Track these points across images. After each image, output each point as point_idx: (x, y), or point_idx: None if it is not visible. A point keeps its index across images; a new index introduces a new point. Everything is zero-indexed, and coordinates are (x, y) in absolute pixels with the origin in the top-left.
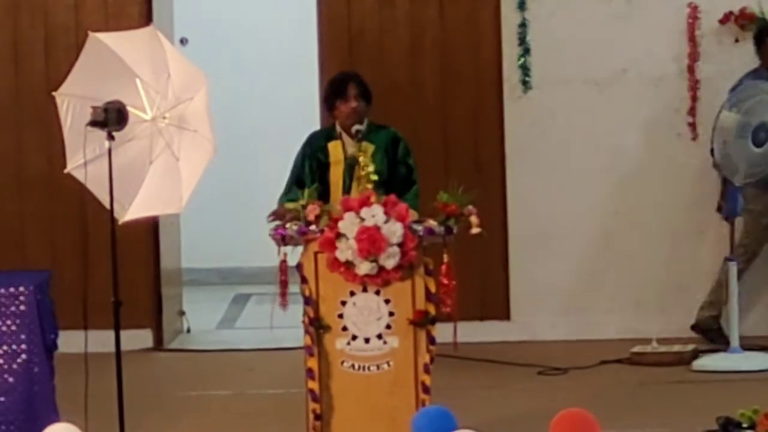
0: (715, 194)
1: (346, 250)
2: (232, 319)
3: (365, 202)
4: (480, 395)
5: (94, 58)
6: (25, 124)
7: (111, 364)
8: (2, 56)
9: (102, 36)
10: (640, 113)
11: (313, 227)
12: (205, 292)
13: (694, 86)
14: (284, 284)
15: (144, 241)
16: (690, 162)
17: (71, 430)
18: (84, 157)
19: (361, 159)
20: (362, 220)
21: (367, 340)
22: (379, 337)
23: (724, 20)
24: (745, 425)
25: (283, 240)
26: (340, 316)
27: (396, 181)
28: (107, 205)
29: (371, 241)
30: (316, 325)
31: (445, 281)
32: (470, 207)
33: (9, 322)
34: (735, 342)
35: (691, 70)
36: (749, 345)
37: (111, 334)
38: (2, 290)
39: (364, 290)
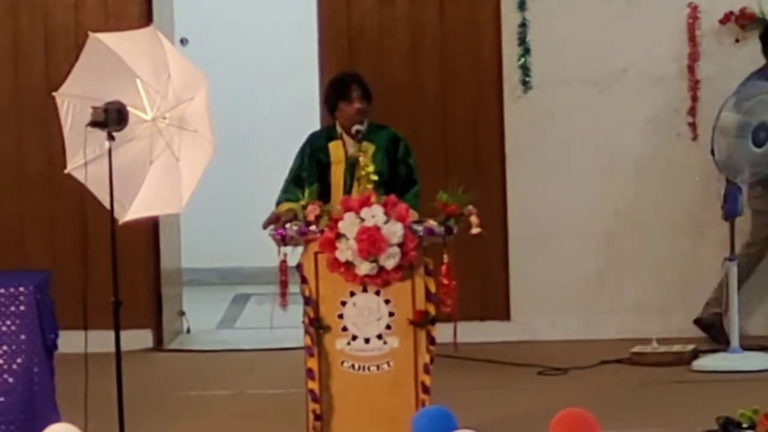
0: (715, 194)
1: (346, 251)
2: (232, 319)
3: (365, 203)
4: (480, 395)
5: (94, 58)
6: (25, 124)
7: (111, 364)
8: (2, 56)
9: (102, 36)
10: (640, 113)
11: (313, 227)
12: (205, 292)
13: (694, 86)
14: (284, 284)
15: (144, 241)
16: (690, 162)
17: (71, 430)
18: (84, 158)
19: (361, 159)
20: (362, 220)
21: (367, 341)
22: (379, 337)
23: (724, 20)
24: (745, 425)
25: (283, 240)
26: (340, 316)
27: (396, 181)
28: (107, 205)
29: (371, 242)
30: (316, 326)
31: (445, 281)
32: (470, 207)
33: (9, 322)
34: (735, 342)
35: (691, 70)
36: (749, 345)
37: (111, 334)
38: (2, 290)
39: (364, 290)
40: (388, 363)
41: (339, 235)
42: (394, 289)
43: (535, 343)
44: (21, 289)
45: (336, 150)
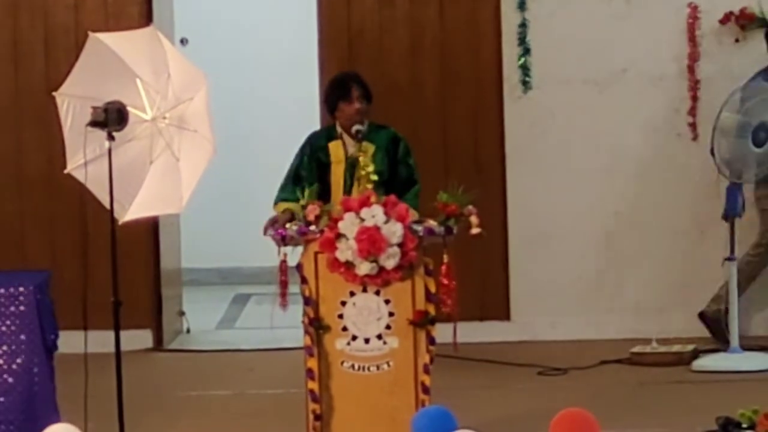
0: (715, 194)
1: (346, 251)
2: (232, 319)
3: (365, 203)
4: (480, 395)
5: (94, 58)
6: (25, 124)
7: (111, 365)
8: (2, 56)
9: (102, 36)
10: (640, 113)
11: (313, 227)
12: (205, 292)
13: (694, 86)
14: (284, 284)
15: (144, 241)
16: (690, 162)
17: (71, 430)
18: (84, 157)
19: (361, 159)
20: (362, 220)
21: (366, 341)
22: (379, 337)
23: (724, 20)
24: (744, 425)
25: (283, 240)
26: (340, 316)
27: (396, 181)
28: (107, 205)
29: (371, 242)
30: (316, 326)
31: (445, 281)
32: (470, 207)
33: (9, 322)
34: (735, 342)
35: (691, 70)
36: (749, 345)
37: (111, 334)
38: (2, 290)
39: (364, 290)
40: (388, 363)
41: (339, 235)
42: (394, 289)
43: (535, 343)
44: (21, 289)
45: (336, 150)
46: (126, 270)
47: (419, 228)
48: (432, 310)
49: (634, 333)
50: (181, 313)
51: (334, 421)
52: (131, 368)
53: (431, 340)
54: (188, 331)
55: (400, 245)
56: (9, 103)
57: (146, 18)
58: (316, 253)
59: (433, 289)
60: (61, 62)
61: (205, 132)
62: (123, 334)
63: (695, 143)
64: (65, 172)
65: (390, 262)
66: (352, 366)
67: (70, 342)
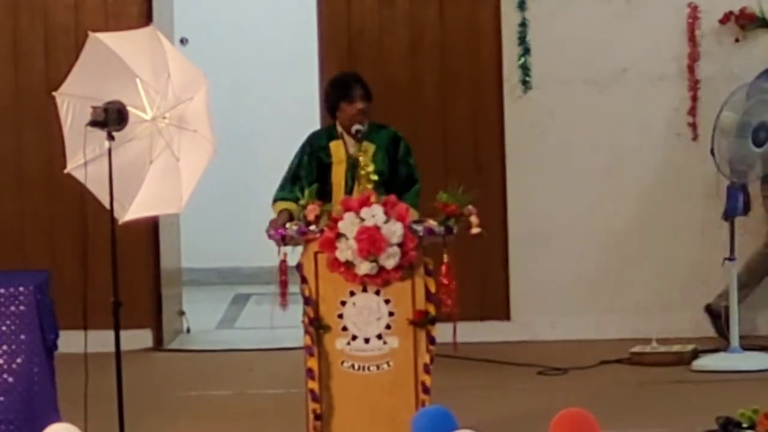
0: (715, 194)
1: (346, 250)
2: (231, 319)
3: (365, 202)
4: (480, 395)
5: (94, 58)
6: (25, 124)
7: (111, 364)
8: (2, 56)
9: (102, 36)
10: (640, 113)
11: (313, 227)
12: (205, 292)
13: (694, 86)
14: (284, 284)
15: (144, 241)
16: (690, 162)
17: (71, 430)
18: (84, 157)
19: (361, 159)
20: (362, 220)
21: (366, 340)
22: (379, 337)
23: (724, 20)
24: (745, 425)
25: (283, 240)
26: (340, 316)
27: (397, 181)
28: (107, 205)
29: (371, 241)
30: (316, 325)
31: (445, 281)
32: (470, 207)
33: (9, 322)
34: (735, 342)
35: (691, 70)
36: (755, 344)
37: (111, 334)
38: (2, 290)
39: (364, 290)
40: (387, 363)
41: (339, 235)
42: (394, 289)
43: (535, 343)
44: (21, 289)
45: (337, 150)
46: (126, 270)
47: (419, 228)
48: (432, 309)
49: (634, 333)
50: (181, 313)
51: (335, 420)
52: (131, 368)
53: (431, 340)
54: (188, 330)
55: (400, 245)
56: (9, 103)
57: (146, 18)
58: (316, 253)
59: (433, 289)
60: (61, 62)
61: (205, 132)
62: (123, 333)
63: (695, 143)
64: (65, 171)
65: (390, 261)
66: (352, 366)
67: (70, 342)
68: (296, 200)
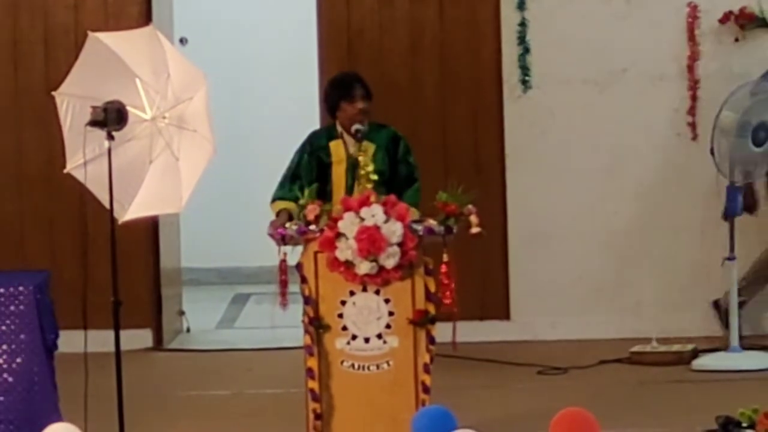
0: (715, 194)
1: (345, 250)
2: (231, 318)
3: (365, 202)
4: (480, 395)
5: (94, 58)
6: (25, 124)
7: (111, 364)
8: (2, 56)
9: (102, 36)
10: (640, 113)
11: (312, 227)
12: (205, 292)
13: (694, 86)
14: (284, 284)
15: (144, 241)
16: (690, 162)
17: (71, 430)
18: (84, 157)
19: (360, 159)
20: (362, 219)
21: (366, 340)
22: (379, 336)
23: (724, 20)
24: (744, 424)
25: (282, 240)
26: (340, 315)
27: (397, 180)
28: (107, 204)
29: (371, 241)
30: (316, 325)
31: (445, 281)
32: (470, 206)
33: (8, 321)
34: (735, 341)
35: (691, 69)
36: (762, 344)
37: (111, 333)
38: (2, 290)
39: (364, 290)
40: (387, 362)
41: (339, 235)
42: (394, 289)
43: (535, 342)
44: (21, 288)
45: (337, 149)
46: (126, 270)
47: (419, 227)
48: (432, 309)
49: (634, 333)
50: (181, 313)
51: (335, 420)
52: (131, 368)
53: (431, 340)
54: (188, 330)
55: (400, 244)
56: (9, 103)
57: (146, 18)
58: (315, 253)
59: (432, 289)
60: (61, 62)
61: (204, 132)
62: (123, 333)
63: (695, 143)
64: (65, 171)
65: (390, 261)
66: (352, 365)
67: (70, 342)
68: (295, 200)
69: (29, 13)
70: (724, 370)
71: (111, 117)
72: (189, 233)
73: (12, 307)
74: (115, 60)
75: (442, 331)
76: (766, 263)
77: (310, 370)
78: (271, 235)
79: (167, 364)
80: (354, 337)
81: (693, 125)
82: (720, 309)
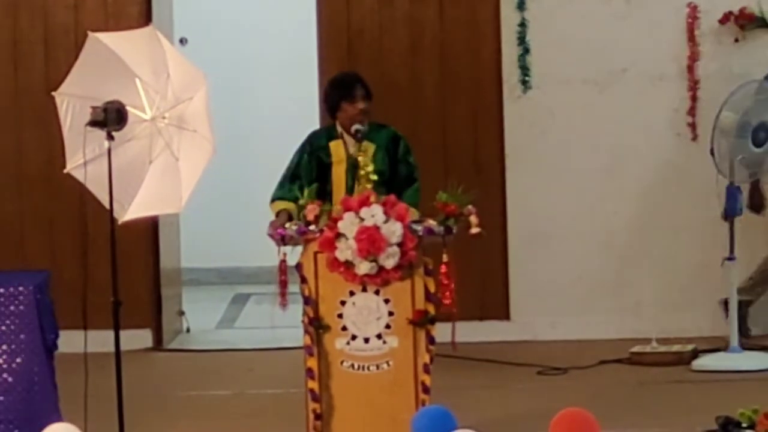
0: (714, 194)
1: (345, 250)
2: (231, 318)
3: (365, 202)
4: (480, 395)
5: (94, 58)
6: (25, 124)
7: (111, 364)
8: (2, 56)
9: (102, 36)
10: (639, 113)
11: (312, 227)
12: (205, 292)
13: (693, 86)
14: (284, 284)
15: (144, 241)
16: (690, 162)
17: (71, 430)
18: (84, 157)
19: (360, 159)
20: (362, 219)
21: (366, 340)
22: (379, 336)
23: (724, 20)
24: (744, 425)
25: (282, 240)
26: (340, 315)
27: (397, 180)
28: (107, 204)
29: (371, 241)
30: (316, 325)
31: (445, 281)
32: (470, 207)
33: (8, 321)
34: (735, 341)
35: (690, 70)
36: (749, 345)
37: (111, 334)
38: (1, 290)
39: (364, 290)
40: (387, 362)
41: (338, 235)
42: (394, 289)
43: (535, 342)
44: (20, 288)
45: (337, 149)
46: (126, 270)
47: (419, 227)
48: (431, 309)
49: (634, 333)
50: (181, 313)
51: (334, 420)
52: (131, 368)
53: (431, 340)
54: (188, 330)
55: (400, 245)
56: (9, 103)
57: (146, 18)
58: (315, 253)
59: (432, 289)
60: (60, 62)
61: (204, 132)
62: (123, 333)
63: (695, 143)
64: (65, 171)
65: (389, 261)
66: (352, 365)
67: (70, 342)
68: (295, 200)
69: (29, 13)
70: (724, 370)
71: (111, 117)
72: (189, 233)
73: (12, 307)
74: (115, 60)
75: (441, 332)
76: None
77: (309, 371)
78: (271, 236)
79: (167, 364)
80: (354, 338)
81: (693, 125)
82: (727, 307)
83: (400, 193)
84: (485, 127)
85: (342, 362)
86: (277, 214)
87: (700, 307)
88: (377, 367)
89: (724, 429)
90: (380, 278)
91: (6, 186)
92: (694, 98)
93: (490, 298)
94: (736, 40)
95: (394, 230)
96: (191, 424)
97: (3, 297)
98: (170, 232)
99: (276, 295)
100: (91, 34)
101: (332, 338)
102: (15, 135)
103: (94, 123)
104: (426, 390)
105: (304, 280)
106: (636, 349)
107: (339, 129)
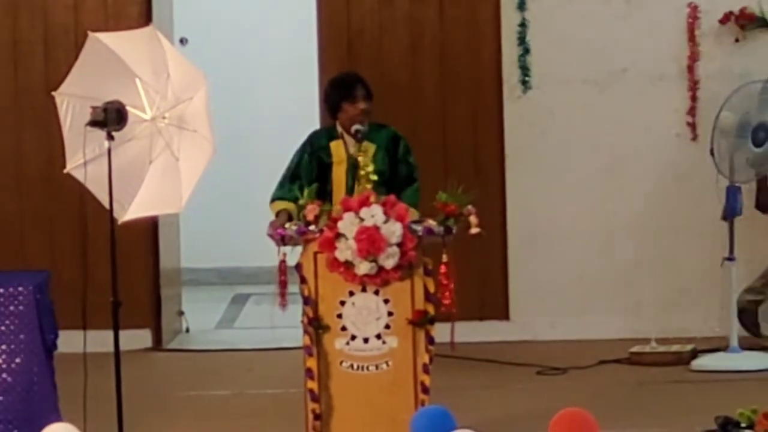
0: (714, 194)
1: (345, 250)
2: (231, 319)
3: (364, 202)
4: (479, 395)
5: (94, 58)
6: (24, 124)
7: (110, 364)
8: (2, 56)
9: (102, 36)
10: (639, 113)
11: (312, 227)
12: (205, 292)
13: (693, 86)
14: (283, 284)
15: (143, 241)
16: (689, 162)
17: (70, 430)
18: (84, 157)
19: (360, 159)
20: (361, 220)
21: (366, 340)
22: (378, 337)
23: (724, 20)
24: (743, 425)
25: (282, 240)
26: (339, 316)
27: (397, 180)
28: (107, 205)
29: (370, 241)
30: (315, 325)
31: (445, 281)
32: (470, 207)
33: (8, 321)
34: (734, 342)
35: (690, 70)
36: (748, 345)
37: (110, 334)
38: (2, 290)
39: (363, 290)
40: (387, 363)
41: (338, 235)
42: (393, 289)
43: (535, 343)
44: (20, 288)
45: (337, 150)
46: (125, 270)
47: (418, 228)
48: (431, 309)
49: (633, 333)
50: (181, 313)
51: (334, 420)
52: (130, 368)
53: (430, 340)
54: (187, 330)
55: (400, 245)
56: (9, 103)
57: (146, 18)
58: (315, 253)
59: (432, 289)
60: (60, 62)
61: (204, 132)
62: (122, 333)
63: (695, 143)
64: (65, 171)
65: (389, 261)
66: (351, 366)
67: (69, 342)
68: (295, 200)
69: (29, 13)
70: (724, 370)
71: (111, 117)
72: (189, 233)
73: (12, 307)
74: (115, 60)
75: (441, 332)
76: None
77: (309, 371)
78: (271, 236)
79: (167, 364)
80: (353, 338)
81: (693, 126)
82: (739, 310)
83: (400, 193)
84: (485, 127)
85: (341, 362)
86: (277, 214)
87: (700, 307)
88: (377, 367)
89: (723, 429)
90: (380, 278)
91: (6, 186)
92: (694, 98)
93: (490, 298)
94: (737, 40)
95: (393, 230)
96: (191, 424)
97: (3, 297)
98: (170, 232)
99: (275, 296)
100: (91, 34)
101: (332, 338)
102: (15, 135)
103: (94, 123)
104: (425, 390)
105: (303, 280)
106: (635, 349)
107: (339, 129)
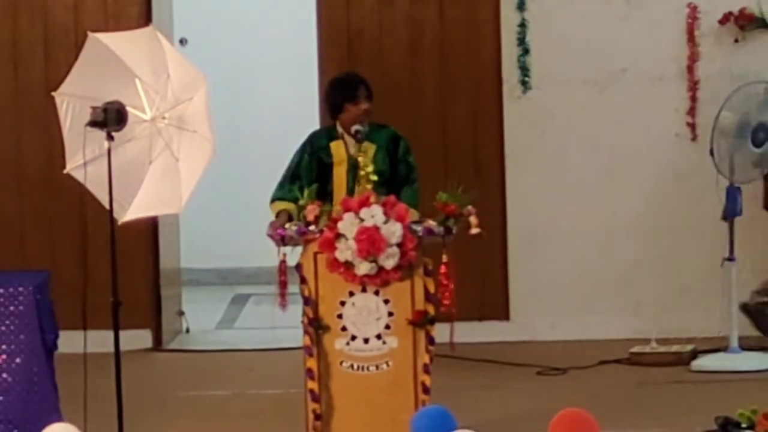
0: (714, 194)
1: (345, 251)
2: (231, 319)
3: (364, 203)
4: (479, 395)
5: (94, 58)
6: (24, 124)
7: (110, 365)
8: (2, 56)
9: (101, 36)
10: (639, 113)
11: (312, 227)
12: (205, 292)
13: (693, 86)
14: (283, 284)
15: (143, 241)
16: (689, 162)
17: (70, 430)
18: (83, 158)
19: (360, 159)
20: (361, 220)
21: (366, 341)
22: (378, 337)
23: (723, 20)
24: (743, 425)
25: (282, 240)
26: (340, 316)
27: (396, 180)
28: (107, 205)
29: (370, 242)
30: (316, 326)
31: (445, 281)
32: (469, 207)
33: (8, 322)
34: (734, 342)
35: (690, 70)
36: (748, 345)
37: (110, 334)
38: (1, 290)
39: (364, 290)
40: (387, 363)
41: (338, 235)
42: (394, 289)
43: (535, 343)
44: (20, 289)
45: (338, 150)
46: (125, 270)
47: (418, 228)
48: (431, 310)
49: (633, 333)
50: (181, 313)
51: (334, 420)
52: (131, 368)
53: (431, 340)
54: (188, 331)
55: (400, 245)
56: (9, 103)
57: (146, 18)
58: (315, 253)
59: (432, 289)
60: (60, 62)
61: (204, 132)
62: (122, 334)
63: (694, 143)
64: (64, 172)
65: (389, 262)
66: (352, 366)
67: (69, 342)
68: (295, 200)
69: (29, 13)
70: (723, 370)
71: (111, 117)
72: (189, 233)
73: (12, 308)
74: (115, 60)
75: (441, 332)
76: None
77: (309, 371)
78: (271, 236)
79: (167, 364)
80: (353, 338)
81: (693, 126)
82: (750, 311)
83: (400, 193)
84: (485, 127)
85: (341, 363)
86: (277, 215)
87: (700, 307)
88: (377, 367)
89: (723, 429)
90: (380, 279)
91: (6, 186)
92: (693, 99)
93: (490, 298)
94: (736, 41)
95: (393, 231)
96: (191, 425)
97: (3, 297)
98: (170, 232)
99: (276, 296)
100: (91, 35)
101: (332, 339)
102: (15, 135)
103: (94, 123)
104: (426, 390)
105: (303, 280)
106: (635, 349)
107: (339, 129)
